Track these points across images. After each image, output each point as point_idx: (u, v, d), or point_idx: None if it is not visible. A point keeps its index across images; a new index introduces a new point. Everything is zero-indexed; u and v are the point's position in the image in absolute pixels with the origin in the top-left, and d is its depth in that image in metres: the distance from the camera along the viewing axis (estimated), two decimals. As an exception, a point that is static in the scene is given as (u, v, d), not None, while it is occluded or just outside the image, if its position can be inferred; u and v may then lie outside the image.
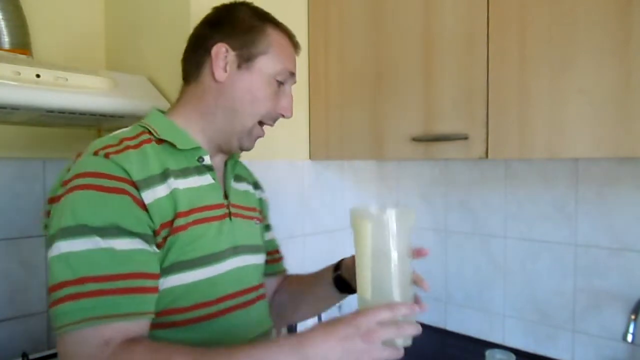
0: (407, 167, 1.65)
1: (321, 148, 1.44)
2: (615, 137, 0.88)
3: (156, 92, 1.20)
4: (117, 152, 0.72)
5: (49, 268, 0.66)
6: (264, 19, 0.85)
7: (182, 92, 0.88)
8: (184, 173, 0.78)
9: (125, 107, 1.08)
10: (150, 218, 0.70)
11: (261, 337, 0.84)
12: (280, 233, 1.39)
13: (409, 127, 1.20)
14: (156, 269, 0.70)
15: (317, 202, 1.53)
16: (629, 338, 1.06)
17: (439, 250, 1.57)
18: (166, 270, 0.72)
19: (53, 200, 0.72)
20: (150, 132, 0.79)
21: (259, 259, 0.89)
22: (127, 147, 0.73)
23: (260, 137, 0.88)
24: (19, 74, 0.94)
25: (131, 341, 0.63)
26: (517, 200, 1.38)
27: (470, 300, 1.49)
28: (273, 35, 0.84)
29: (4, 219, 1.24)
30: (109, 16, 1.43)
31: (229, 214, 0.83)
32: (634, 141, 0.86)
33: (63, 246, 0.65)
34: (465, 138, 1.08)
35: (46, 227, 0.73)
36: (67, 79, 1.01)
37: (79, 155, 0.76)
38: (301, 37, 1.44)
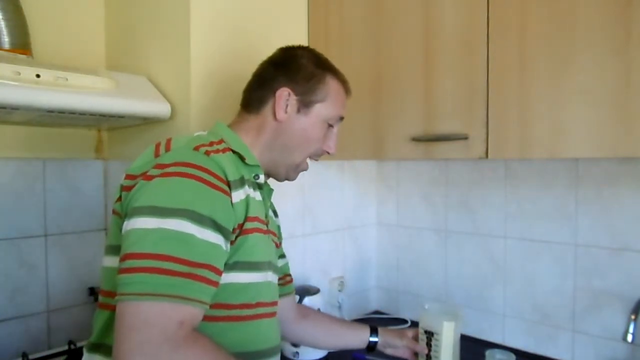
0: (407, 167, 1.65)
1: (321, 148, 1.44)
2: (615, 137, 0.88)
3: (156, 92, 1.21)
4: (213, 152, 0.78)
5: (132, 236, 0.68)
6: (324, 67, 0.93)
7: (243, 118, 0.94)
8: (249, 184, 0.84)
9: (125, 107, 1.08)
10: (235, 218, 0.76)
11: (278, 348, 0.90)
12: (280, 233, 1.40)
13: (409, 127, 1.20)
14: (223, 267, 0.74)
15: (317, 202, 1.53)
16: (629, 338, 1.06)
17: (439, 250, 1.57)
18: (230, 267, 0.77)
19: (136, 176, 0.77)
20: (225, 142, 0.86)
21: (277, 279, 0.95)
22: (218, 150, 0.80)
23: (305, 170, 0.97)
24: (19, 74, 0.94)
25: (199, 333, 0.67)
26: (517, 200, 1.38)
27: (470, 300, 1.49)
28: (331, 84, 0.93)
29: (4, 219, 1.24)
30: (109, 16, 1.43)
31: (268, 232, 0.90)
32: (634, 141, 0.86)
33: (156, 222, 0.67)
34: (465, 138, 1.08)
35: (120, 199, 0.78)
36: (67, 79, 1.01)
37: (159, 145, 0.81)
38: (301, 38, 1.44)
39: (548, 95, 0.96)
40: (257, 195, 0.86)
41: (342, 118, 0.96)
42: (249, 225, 0.79)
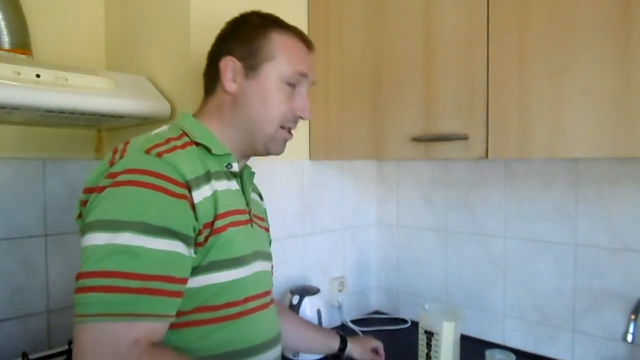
0: (407, 167, 1.65)
1: (321, 148, 1.44)
2: (615, 137, 0.88)
3: (156, 92, 1.20)
4: (167, 151, 0.73)
5: (84, 254, 0.66)
6: (269, 24, 0.86)
7: (204, 104, 0.91)
8: (218, 176, 0.81)
9: (125, 107, 1.08)
10: (196, 218, 0.72)
11: (276, 339, 0.88)
12: (280, 233, 1.40)
13: (409, 127, 1.20)
14: (186, 274, 0.71)
15: (317, 202, 1.53)
16: (629, 338, 1.06)
17: (439, 250, 1.57)
18: (205, 268, 0.74)
19: (92, 190, 0.73)
20: (188, 135, 0.81)
21: (270, 266, 0.93)
22: (175, 147, 0.75)
23: (288, 140, 0.89)
24: (19, 74, 0.94)
25: (157, 347, 0.65)
26: (517, 200, 1.38)
27: (470, 300, 1.49)
28: (278, 39, 0.85)
29: (4, 219, 1.24)
30: (109, 16, 1.43)
31: (251, 220, 0.87)
32: (634, 141, 0.86)
33: (106, 237, 0.65)
34: (465, 138, 1.08)
35: (80, 215, 0.76)
36: (67, 79, 1.01)
37: (115, 151, 0.77)
38: (301, 37, 1.44)
39: (548, 95, 0.96)
40: (232, 185, 0.83)
41: (304, 74, 0.86)
42: (220, 222, 0.76)
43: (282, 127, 0.87)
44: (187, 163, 0.74)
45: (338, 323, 1.57)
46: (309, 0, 1.44)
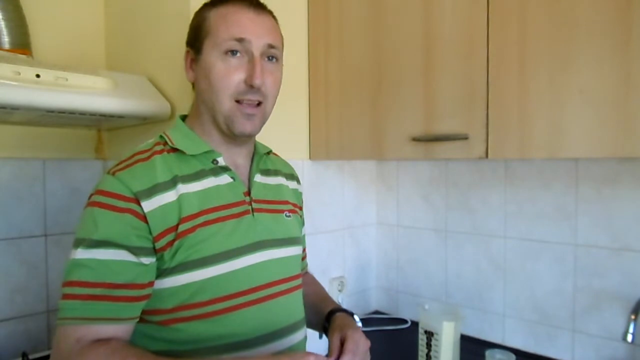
0: (407, 167, 1.65)
1: (321, 148, 1.44)
2: (615, 137, 0.88)
3: (156, 92, 1.20)
4: (124, 167, 0.78)
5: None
6: (208, 4, 0.85)
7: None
8: (197, 176, 0.82)
9: (125, 107, 1.08)
10: (149, 228, 0.75)
11: (287, 330, 0.86)
12: (280, 233, 1.39)
13: (409, 127, 1.20)
14: (139, 280, 0.75)
15: (317, 202, 1.53)
16: (629, 338, 1.06)
17: (439, 250, 1.57)
18: (175, 270, 0.77)
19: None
20: (165, 143, 0.84)
21: (288, 251, 0.90)
22: (137, 161, 0.79)
23: (253, 114, 0.83)
24: (19, 74, 0.95)
25: (99, 341, 0.71)
26: (517, 200, 1.38)
27: (470, 300, 1.49)
28: (213, 13, 0.83)
29: (4, 219, 1.24)
30: (109, 16, 1.43)
31: (252, 210, 0.86)
32: (634, 141, 0.86)
33: (71, 253, 0.75)
34: (465, 138, 1.08)
35: None
36: (67, 79, 1.01)
37: None
38: (301, 37, 1.44)
39: (548, 95, 0.96)
40: (222, 180, 0.83)
41: (239, 39, 0.80)
42: (186, 225, 0.76)
43: (239, 102, 0.82)
44: (141, 176, 0.77)
45: (338, 323, 1.57)
46: (309, 0, 1.44)
